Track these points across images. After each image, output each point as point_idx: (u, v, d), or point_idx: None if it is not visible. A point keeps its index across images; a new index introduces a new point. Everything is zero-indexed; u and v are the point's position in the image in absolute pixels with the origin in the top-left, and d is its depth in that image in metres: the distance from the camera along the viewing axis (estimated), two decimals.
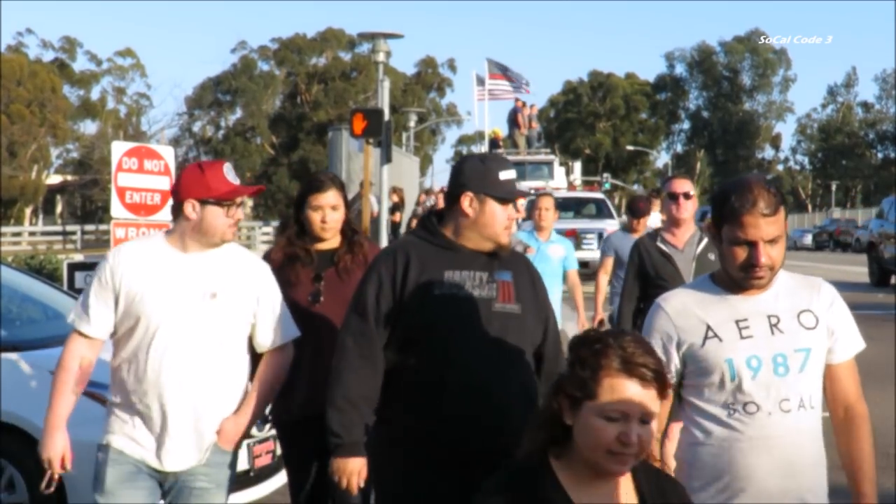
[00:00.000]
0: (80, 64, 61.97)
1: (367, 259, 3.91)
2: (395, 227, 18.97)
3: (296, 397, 3.92)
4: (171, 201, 3.46)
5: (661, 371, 2.19)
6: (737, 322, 2.65)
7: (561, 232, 8.66)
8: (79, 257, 21.68)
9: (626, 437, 2.13)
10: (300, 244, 4.01)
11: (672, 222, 5.54)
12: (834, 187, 73.76)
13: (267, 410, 3.86)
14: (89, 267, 8.35)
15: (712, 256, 5.25)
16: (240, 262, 3.42)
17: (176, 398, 3.26)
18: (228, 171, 3.37)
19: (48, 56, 59.63)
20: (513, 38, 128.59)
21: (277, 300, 3.49)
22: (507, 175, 3.09)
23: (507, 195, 3.09)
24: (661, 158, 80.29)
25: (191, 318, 3.27)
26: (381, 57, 17.44)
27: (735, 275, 2.64)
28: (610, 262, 7.82)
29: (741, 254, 2.60)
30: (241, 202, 3.38)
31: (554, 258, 7.54)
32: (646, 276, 5.48)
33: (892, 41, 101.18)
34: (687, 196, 5.44)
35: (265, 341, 3.45)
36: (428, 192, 23.11)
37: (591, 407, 2.16)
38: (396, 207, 19.17)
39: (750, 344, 2.63)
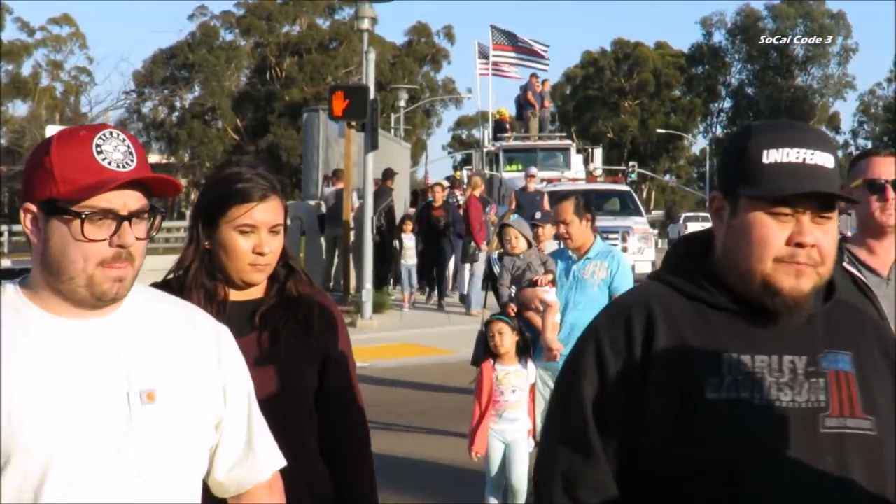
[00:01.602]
0: (9, 33, 62.09)
1: (308, 322, 2.88)
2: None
3: None
4: None
5: None
6: None
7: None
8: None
9: None
10: (212, 288, 2.83)
11: (869, 230, 3.62)
12: None
13: None
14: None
15: None
16: (184, 324, 2.19)
17: None
18: (107, 142, 1.98)
19: None
20: (521, 0, 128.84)
21: (250, 392, 2.30)
22: (781, 155, 1.99)
23: (771, 193, 1.98)
24: (698, 143, 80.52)
25: (110, 443, 2.02)
26: (365, 24, 17.43)
27: None
28: None
29: None
30: (157, 213, 2.03)
31: (592, 282, 6.55)
32: None
33: None
34: None
35: (236, 476, 2.26)
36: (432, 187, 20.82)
37: None
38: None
39: None
